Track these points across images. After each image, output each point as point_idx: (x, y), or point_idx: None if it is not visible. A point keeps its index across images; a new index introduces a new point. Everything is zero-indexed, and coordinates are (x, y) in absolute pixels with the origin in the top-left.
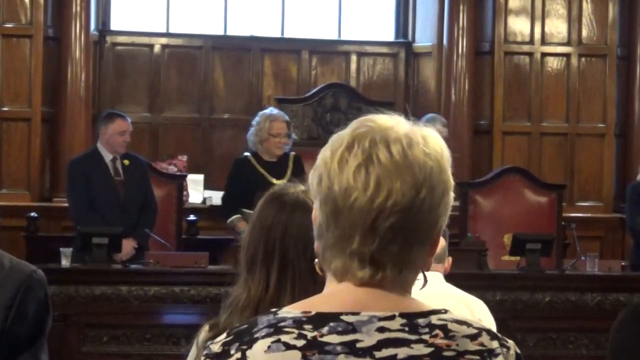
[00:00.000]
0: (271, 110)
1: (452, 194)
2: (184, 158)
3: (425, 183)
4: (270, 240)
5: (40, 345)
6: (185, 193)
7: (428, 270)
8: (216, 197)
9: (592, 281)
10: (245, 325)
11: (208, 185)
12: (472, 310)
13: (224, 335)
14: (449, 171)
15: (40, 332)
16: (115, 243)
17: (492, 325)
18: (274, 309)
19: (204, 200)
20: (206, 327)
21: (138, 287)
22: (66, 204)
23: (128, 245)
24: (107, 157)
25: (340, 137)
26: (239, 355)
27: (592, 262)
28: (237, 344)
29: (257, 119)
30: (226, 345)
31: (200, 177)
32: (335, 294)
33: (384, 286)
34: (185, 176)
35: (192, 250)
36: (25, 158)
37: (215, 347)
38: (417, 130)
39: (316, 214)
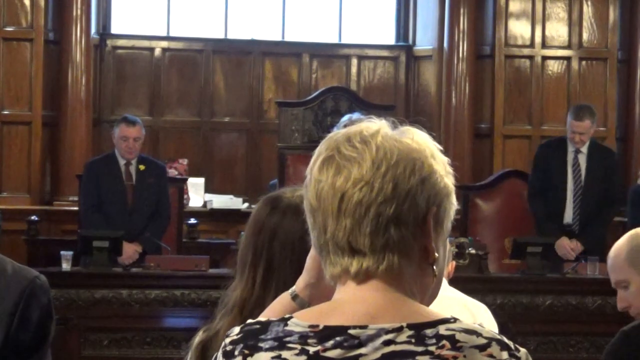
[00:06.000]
0: (352, 114)
1: (441, 182)
2: (185, 161)
3: (385, 158)
4: (259, 243)
5: (44, 351)
6: (185, 196)
7: (432, 262)
8: (217, 201)
9: (592, 285)
10: (257, 326)
11: (209, 189)
12: (473, 314)
13: (237, 330)
14: (431, 160)
15: (44, 338)
16: (116, 246)
17: (494, 329)
18: (287, 315)
19: (205, 203)
20: (200, 332)
21: (139, 290)
22: (66, 207)
23: (131, 249)
24: (122, 160)
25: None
26: (240, 359)
27: (593, 266)
28: (241, 345)
29: (341, 120)
30: (233, 343)
31: (200, 181)
32: (345, 303)
33: (384, 279)
34: (186, 179)
35: (193, 253)
36: (25, 161)
37: (228, 342)
38: (395, 127)
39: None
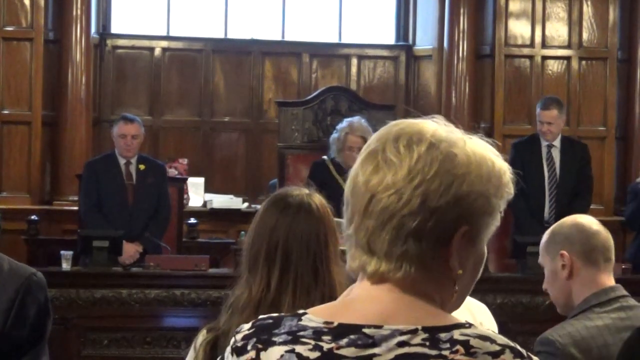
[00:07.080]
0: (352, 120)
1: (480, 201)
2: (185, 161)
3: (422, 171)
4: (273, 241)
5: (41, 348)
6: (185, 196)
7: (455, 278)
8: (217, 200)
9: None
10: (270, 321)
11: (209, 189)
12: (473, 313)
13: (249, 325)
14: (475, 178)
15: (41, 335)
16: (116, 246)
17: (494, 329)
18: (301, 311)
19: (205, 203)
20: (204, 331)
21: (138, 290)
22: (66, 207)
23: (131, 249)
24: (122, 160)
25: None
26: (253, 354)
27: None
28: (254, 339)
29: (340, 125)
30: (245, 338)
31: (200, 180)
32: (360, 301)
33: (399, 285)
34: (186, 179)
35: (193, 253)
36: (25, 161)
37: (239, 338)
38: (451, 134)
39: None
